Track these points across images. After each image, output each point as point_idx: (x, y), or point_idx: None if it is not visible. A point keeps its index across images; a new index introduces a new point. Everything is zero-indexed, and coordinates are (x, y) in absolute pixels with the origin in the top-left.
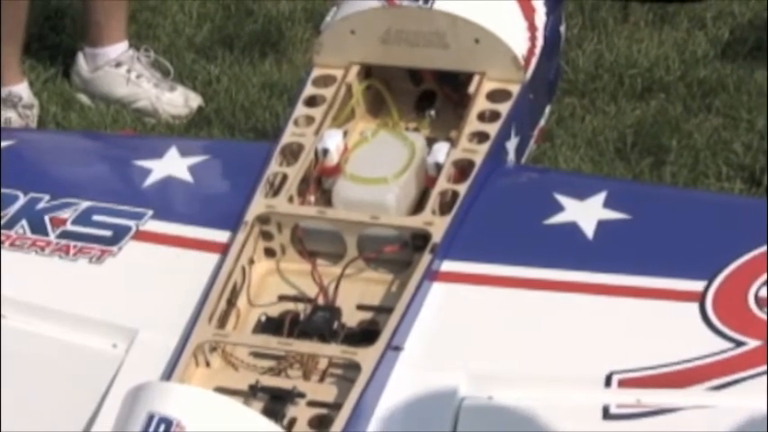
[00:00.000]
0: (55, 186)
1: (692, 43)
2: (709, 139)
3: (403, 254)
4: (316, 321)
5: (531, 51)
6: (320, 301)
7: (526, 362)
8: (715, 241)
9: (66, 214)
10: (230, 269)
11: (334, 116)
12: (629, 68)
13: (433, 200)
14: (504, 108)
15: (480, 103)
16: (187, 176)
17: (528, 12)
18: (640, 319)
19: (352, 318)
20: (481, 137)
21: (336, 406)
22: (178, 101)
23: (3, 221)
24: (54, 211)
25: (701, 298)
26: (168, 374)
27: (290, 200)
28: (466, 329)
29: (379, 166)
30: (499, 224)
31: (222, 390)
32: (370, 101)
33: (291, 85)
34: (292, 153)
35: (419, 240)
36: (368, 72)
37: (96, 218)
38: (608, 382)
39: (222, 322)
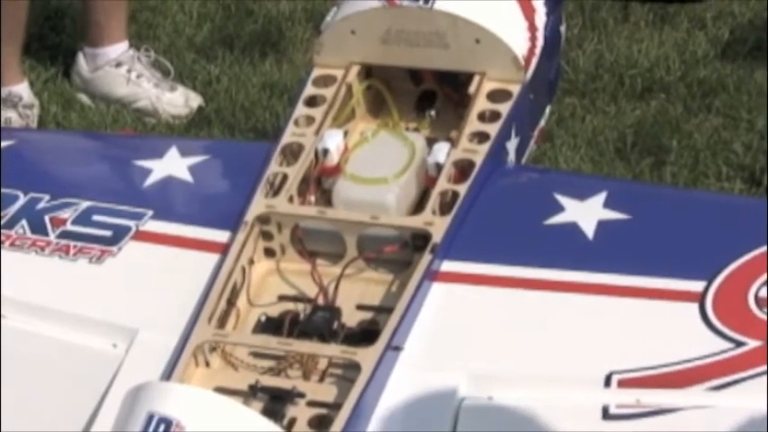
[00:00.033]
0: (55, 186)
1: (692, 43)
2: (710, 139)
3: (403, 254)
4: (315, 321)
5: (531, 51)
6: (320, 301)
7: (526, 362)
8: (715, 241)
9: (67, 214)
10: (230, 269)
11: (335, 116)
12: (630, 68)
13: (434, 200)
14: (504, 108)
15: (480, 104)
16: (187, 176)
17: (528, 12)
18: (640, 319)
19: (351, 318)
20: (481, 137)
21: (336, 406)
22: (178, 101)
23: (3, 221)
24: (54, 211)
25: (700, 298)
26: (168, 374)
27: (290, 200)
28: (466, 329)
29: (379, 166)
30: (499, 224)
31: (222, 390)
32: (370, 101)
33: (292, 85)
34: (292, 153)
35: (419, 240)
36: (368, 72)
37: (96, 218)
38: (608, 382)
39: (222, 322)
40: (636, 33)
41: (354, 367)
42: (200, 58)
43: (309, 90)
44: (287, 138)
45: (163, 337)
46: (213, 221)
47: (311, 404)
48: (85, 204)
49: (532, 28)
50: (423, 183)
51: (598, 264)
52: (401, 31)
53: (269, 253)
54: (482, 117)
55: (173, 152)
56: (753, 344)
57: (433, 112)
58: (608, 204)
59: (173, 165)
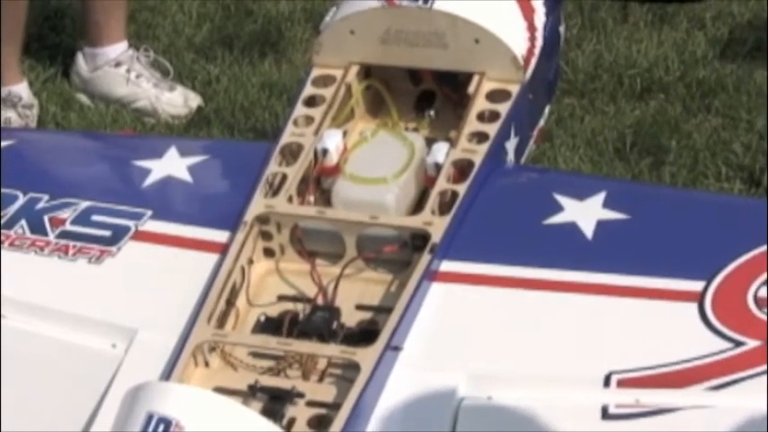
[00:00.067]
0: (54, 186)
1: (691, 43)
2: (709, 139)
3: (402, 254)
4: (315, 321)
5: (530, 51)
6: (319, 301)
7: (525, 362)
8: (714, 241)
9: (66, 214)
10: (229, 269)
11: (334, 116)
12: (629, 69)
13: (433, 200)
14: (503, 108)
15: (480, 104)
16: (186, 176)
17: (527, 12)
18: (639, 319)
19: (351, 318)
20: (481, 137)
21: (335, 406)
22: (177, 101)
23: (2, 221)
24: (53, 211)
25: (700, 298)
26: (167, 374)
27: (290, 200)
28: (465, 329)
29: (378, 166)
30: (498, 224)
31: (221, 390)
32: (369, 101)
33: (291, 85)
34: (292, 153)
35: (418, 240)
36: (367, 72)
37: (95, 218)
38: (607, 382)
39: (221, 322)
40: (635, 33)
41: (354, 367)
42: (199, 58)
43: (309, 90)
44: (286, 138)
45: (162, 337)
46: (212, 221)
47: (310, 404)
48: (85, 204)
49: (532, 28)
50: (422, 183)
51: (597, 264)
52: (400, 31)
53: (268, 253)
54: (481, 117)
55: (172, 152)
56: (752, 344)
57: (432, 112)
58: (607, 204)
59: (172, 165)
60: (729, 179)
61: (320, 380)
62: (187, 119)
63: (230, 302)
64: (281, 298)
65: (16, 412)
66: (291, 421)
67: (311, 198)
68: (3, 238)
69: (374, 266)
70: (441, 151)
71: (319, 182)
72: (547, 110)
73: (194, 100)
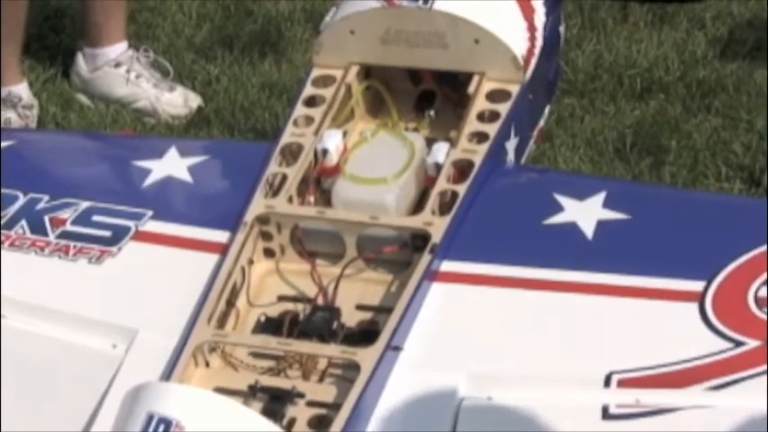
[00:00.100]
0: (54, 186)
1: (691, 43)
2: (709, 139)
3: (402, 254)
4: (315, 321)
5: (530, 51)
6: (320, 301)
7: (526, 362)
8: (714, 241)
9: (66, 214)
10: (230, 269)
11: (334, 116)
12: (629, 69)
13: (433, 200)
14: (503, 108)
15: (480, 104)
16: (187, 177)
17: (527, 12)
18: (640, 319)
19: (351, 318)
20: (481, 137)
21: (336, 406)
22: (177, 101)
23: (3, 221)
24: (54, 211)
25: (700, 298)
26: (168, 375)
27: (290, 200)
28: (465, 330)
29: (378, 166)
30: (499, 224)
31: (221, 390)
32: (369, 101)
33: (291, 85)
34: (292, 153)
35: (419, 240)
36: (367, 72)
37: (96, 218)
38: (607, 382)
39: (222, 322)
40: (635, 33)
41: (354, 367)
42: (199, 59)
43: (309, 90)
44: (286, 138)
45: (162, 337)
46: (213, 222)
47: (311, 404)
48: (85, 205)
49: (532, 28)
50: (422, 183)
51: (597, 264)
52: (400, 32)
53: (268, 253)
54: (481, 117)
55: (172, 152)
56: (752, 344)
57: (432, 113)
58: (607, 204)
59: (172, 165)
60: (729, 179)
61: (320, 380)
62: (187, 119)
63: (230, 303)
64: (282, 298)
65: (16, 412)
66: (292, 421)
67: (311, 198)
68: (3, 238)
69: (374, 267)
70: (441, 151)
71: (319, 182)
72: (547, 110)
73: (194, 100)
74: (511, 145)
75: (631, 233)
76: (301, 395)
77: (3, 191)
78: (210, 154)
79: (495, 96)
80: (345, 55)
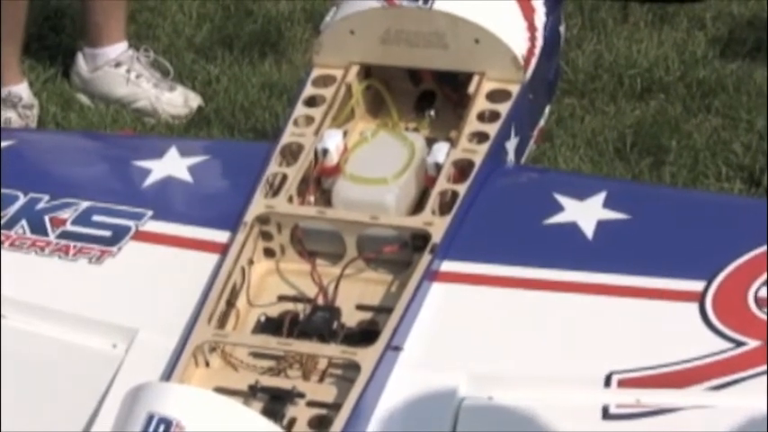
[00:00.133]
0: (55, 186)
1: (691, 43)
2: (709, 139)
3: (402, 254)
4: (315, 321)
5: (530, 51)
6: (320, 301)
7: (526, 362)
8: (714, 241)
9: (66, 214)
10: (230, 269)
11: (334, 116)
12: (629, 69)
13: (433, 200)
14: (503, 108)
15: (480, 104)
16: (187, 177)
17: (528, 12)
18: (640, 319)
19: (351, 318)
20: (481, 137)
21: (336, 406)
22: (178, 101)
23: (3, 221)
24: (54, 211)
25: (700, 298)
26: (168, 375)
27: (290, 200)
28: (466, 330)
29: (378, 166)
30: (499, 224)
31: (222, 390)
32: (369, 101)
33: (291, 85)
34: (292, 153)
35: (419, 240)
36: (367, 72)
37: (96, 218)
38: (608, 382)
39: (222, 322)
40: (635, 34)
41: (354, 367)
42: (199, 59)
43: (309, 90)
44: (286, 138)
45: (163, 337)
46: (213, 222)
47: (311, 404)
48: (85, 204)
49: (532, 28)
50: (422, 183)
51: (598, 264)
52: (400, 32)
53: (268, 253)
54: (481, 117)
55: (172, 152)
56: (753, 344)
57: (432, 112)
58: (607, 204)
59: (172, 165)
60: (729, 179)
61: (321, 380)
62: (187, 119)
63: (231, 303)
64: (282, 298)
65: (16, 412)
66: (292, 421)
67: (311, 198)
68: (3, 238)
69: (374, 267)
70: (441, 151)
71: (319, 182)
72: (547, 110)
73: (194, 100)
74: (511, 145)
75: (631, 233)
76: (301, 395)
77: (3, 191)
78: (210, 154)
79: (495, 96)
80: (345, 55)
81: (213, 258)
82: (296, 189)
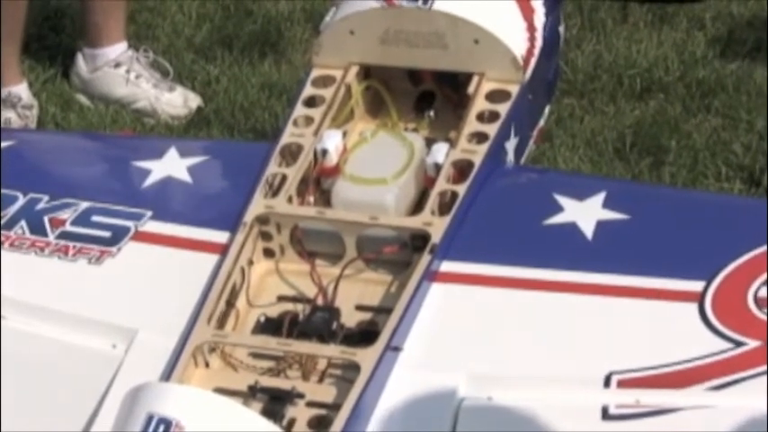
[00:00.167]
0: (54, 187)
1: (691, 44)
2: (709, 139)
3: (402, 254)
4: (315, 322)
5: (530, 52)
6: (319, 301)
7: (526, 362)
8: (714, 241)
9: (66, 215)
10: (229, 270)
11: (334, 117)
12: (629, 69)
13: (433, 200)
14: (503, 108)
15: (479, 104)
16: (186, 177)
17: (527, 12)
18: (639, 319)
19: (351, 318)
20: (480, 137)
21: (335, 406)
22: (177, 101)
23: (3, 222)
24: (53, 211)
25: (700, 298)
26: (167, 375)
27: (290, 200)
28: (465, 330)
29: (378, 166)
30: (498, 224)
31: (221, 390)
32: (369, 101)
33: (291, 85)
34: (291, 153)
35: (418, 241)
36: (367, 72)
37: (95, 218)
38: (607, 382)
39: (221, 323)
40: (635, 34)
41: (354, 368)
42: (199, 59)
43: (308, 90)
44: (286, 138)
45: (162, 337)
46: (212, 222)
47: (310, 405)
48: (85, 205)
49: (531, 28)
50: (422, 183)
51: (597, 264)
52: (400, 32)
53: (268, 253)
54: (481, 117)
55: (172, 153)
56: (752, 344)
57: (431, 113)
58: (607, 204)
59: (172, 165)
60: (729, 179)
61: (320, 380)
62: (187, 119)
63: (230, 303)
64: (281, 298)
65: (16, 412)
66: (291, 422)
67: (311, 198)
68: (3, 238)
69: (374, 267)
70: (440, 152)
71: (319, 182)
72: (547, 110)
73: (194, 100)
74: (511, 145)
75: (631, 233)
76: (301, 395)
77: (3, 191)
78: (210, 154)
79: (494, 96)
80: (345, 55)
81: (213, 259)
82: (295, 189)
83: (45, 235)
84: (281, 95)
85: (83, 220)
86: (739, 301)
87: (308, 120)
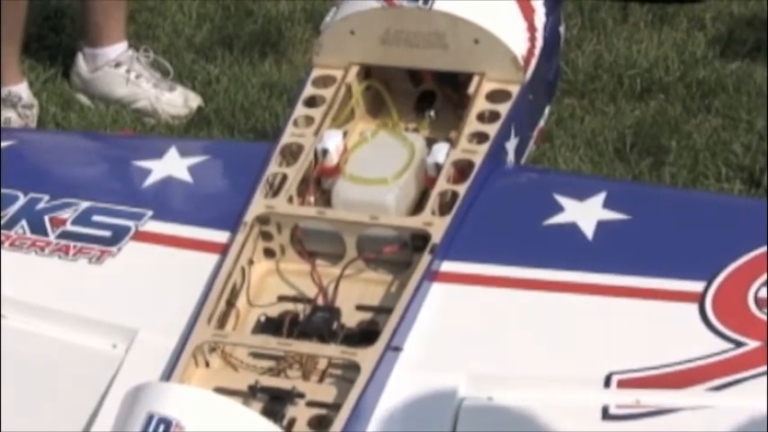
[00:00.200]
0: (55, 186)
1: (691, 44)
2: (709, 139)
3: (402, 254)
4: (315, 322)
5: (530, 52)
6: (320, 301)
7: (526, 362)
8: (714, 242)
9: (66, 214)
10: (230, 269)
11: (334, 116)
12: (629, 69)
13: (433, 200)
14: (503, 108)
15: (480, 104)
16: (187, 177)
17: (527, 12)
18: (640, 319)
19: (351, 318)
20: (481, 137)
21: (336, 406)
22: (177, 101)
23: (3, 221)
24: (54, 211)
25: (700, 298)
26: (168, 375)
27: (290, 200)
28: (465, 330)
29: (378, 166)
30: (499, 225)
31: (221, 390)
32: (369, 101)
33: (291, 85)
34: (292, 153)
35: (419, 241)
36: (367, 72)
37: (96, 218)
38: (607, 382)
39: (222, 323)
40: (635, 34)
41: (354, 368)
42: (199, 59)
43: (309, 90)
44: (286, 138)
45: (162, 337)
46: (213, 222)
47: (311, 404)
48: (85, 205)
49: (532, 28)
50: (422, 183)
51: (597, 264)
52: (400, 32)
53: (268, 253)
54: (481, 117)
55: (172, 152)
56: (753, 344)
57: (432, 113)
58: (607, 205)
59: (172, 165)
60: (729, 179)
61: (320, 380)
62: (187, 119)
63: (230, 303)
64: (282, 298)
65: (16, 412)
66: (292, 421)
67: (311, 198)
68: (3, 238)
69: (374, 267)
70: (441, 152)
71: (319, 182)
72: (547, 110)
73: (194, 100)
74: (511, 145)
75: (631, 233)
76: (301, 395)
77: (3, 191)
78: (210, 154)
79: (495, 97)
80: (345, 55)
81: (213, 258)
82: (296, 189)
83: (45, 234)
84: (281, 95)
85: (83, 219)
86: (739, 302)
87: (309, 120)
